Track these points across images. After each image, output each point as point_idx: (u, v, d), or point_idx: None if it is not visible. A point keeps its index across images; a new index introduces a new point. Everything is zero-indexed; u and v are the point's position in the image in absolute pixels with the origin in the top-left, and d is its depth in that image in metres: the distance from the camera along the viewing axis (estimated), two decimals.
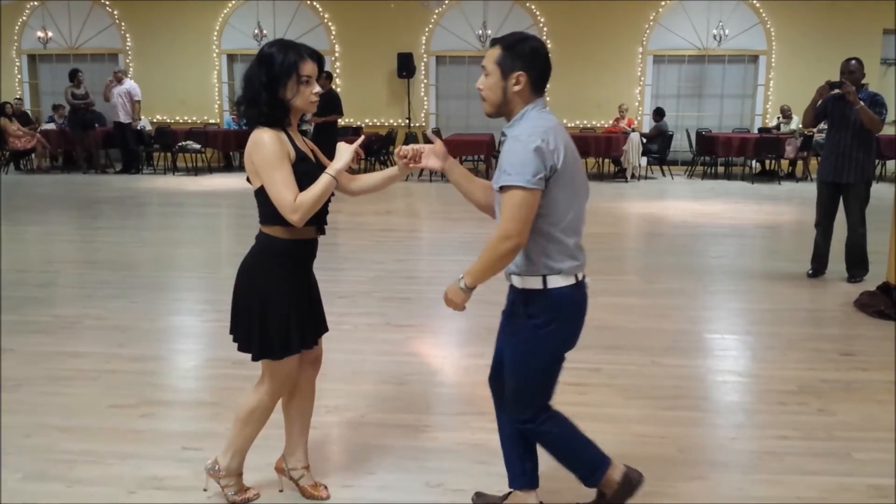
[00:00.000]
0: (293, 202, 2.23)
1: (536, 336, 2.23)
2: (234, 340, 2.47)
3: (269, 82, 2.26)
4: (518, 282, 2.21)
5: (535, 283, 2.18)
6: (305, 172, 2.31)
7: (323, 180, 2.26)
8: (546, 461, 2.72)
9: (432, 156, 2.39)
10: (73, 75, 13.07)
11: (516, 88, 2.16)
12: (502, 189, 2.08)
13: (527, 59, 2.16)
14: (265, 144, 2.25)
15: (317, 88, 2.33)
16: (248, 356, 2.44)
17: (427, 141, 2.51)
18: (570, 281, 2.20)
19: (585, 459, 2.41)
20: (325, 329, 2.62)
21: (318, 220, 2.38)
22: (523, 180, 2.04)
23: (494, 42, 2.21)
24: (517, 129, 2.13)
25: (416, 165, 2.41)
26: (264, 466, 2.76)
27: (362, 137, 2.27)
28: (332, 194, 2.42)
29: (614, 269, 6.46)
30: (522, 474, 2.50)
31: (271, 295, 2.36)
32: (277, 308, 2.36)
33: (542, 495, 2.55)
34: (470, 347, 4.32)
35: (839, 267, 5.87)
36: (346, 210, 8.76)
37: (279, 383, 2.46)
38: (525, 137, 2.07)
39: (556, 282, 2.17)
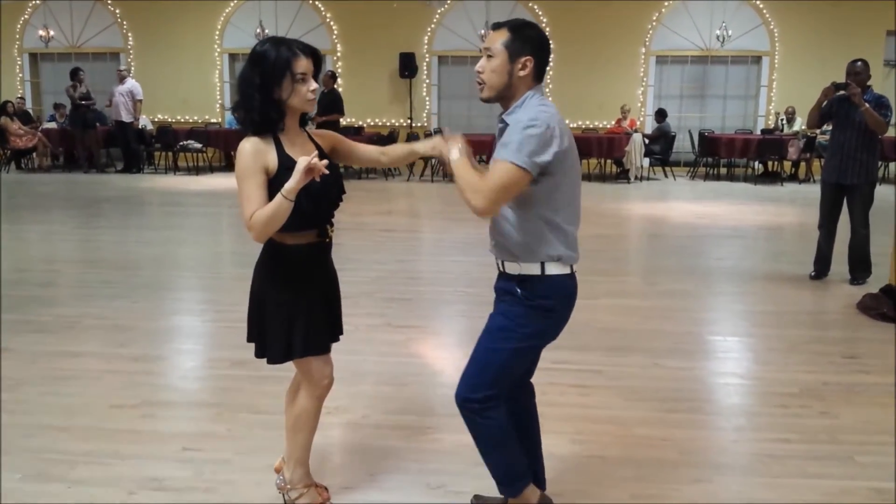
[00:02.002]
0: (249, 219, 2.17)
1: (524, 314, 2.20)
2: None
3: (262, 83, 2.17)
4: (514, 268, 2.20)
5: (532, 269, 2.17)
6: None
7: (275, 201, 2.14)
8: (549, 462, 2.70)
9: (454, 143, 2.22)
10: (75, 74, 13.07)
11: (522, 73, 2.14)
12: (510, 164, 2.02)
13: (535, 45, 2.16)
14: (241, 155, 2.20)
15: (314, 86, 2.23)
16: (251, 357, 2.44)
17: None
18: (567, 270, 2.20)
19: (512, 465, 2.33)
20: (340, 332, 2.52)
21: (318, 224, 2.33)
22: (521, 160, 2.01)
23: (499, 25, 2.19)
24: (522, 116, 2.09)
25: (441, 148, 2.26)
26: (265, 468, 2.75)
27: (314, 153, 2.12)
28: (341, 199, 2.38)
29: (616, 270, 6.45)
30: (526, 475, 2.48)
31: (271, 298, 2.34)
32: (277, 311, 2.33)
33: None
34: (471, 348, 4.28)
35: (842, 269, 5.85)
36: (348, 210, 8.71)
37: (314, 383, 2.42)
38: (539, 123, 2.04)
39: (553, 269, 2.17)
